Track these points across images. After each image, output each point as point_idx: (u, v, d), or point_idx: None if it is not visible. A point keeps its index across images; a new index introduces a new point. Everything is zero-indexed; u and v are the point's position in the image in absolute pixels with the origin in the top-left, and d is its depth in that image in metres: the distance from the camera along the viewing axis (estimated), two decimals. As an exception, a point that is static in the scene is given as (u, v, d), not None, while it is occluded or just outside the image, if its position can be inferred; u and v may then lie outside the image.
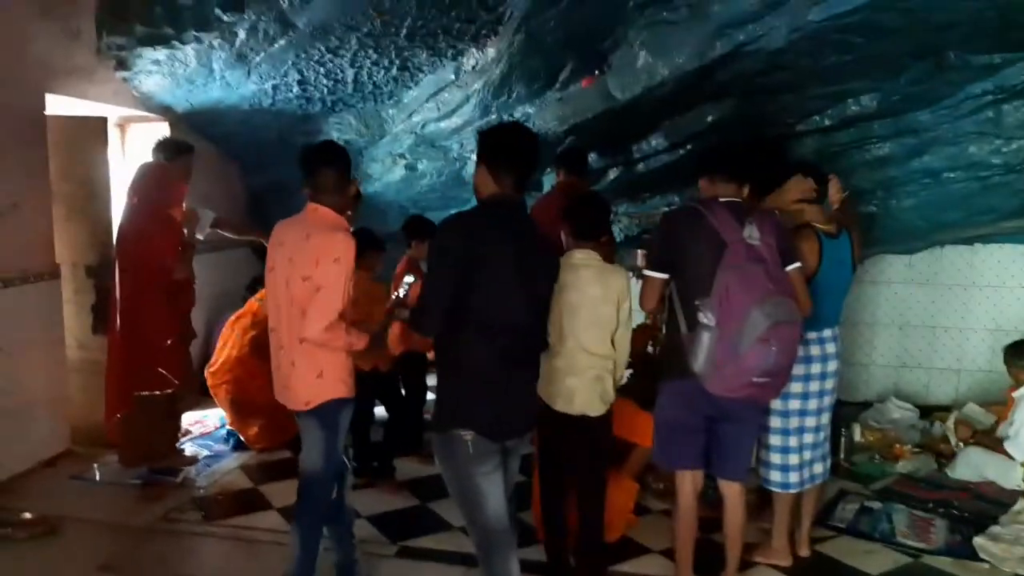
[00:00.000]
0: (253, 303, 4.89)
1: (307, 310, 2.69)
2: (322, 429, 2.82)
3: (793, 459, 3.35)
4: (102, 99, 4.75)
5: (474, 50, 4.46)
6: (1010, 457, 4.16)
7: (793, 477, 3.35)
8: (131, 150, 5.43)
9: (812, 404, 3.34)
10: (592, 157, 5.05)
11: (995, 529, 3.64)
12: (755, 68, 4.12)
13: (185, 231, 4.29)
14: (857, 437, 4.74)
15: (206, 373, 4.82)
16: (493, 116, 4.90)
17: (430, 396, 4.56)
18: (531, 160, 2.56)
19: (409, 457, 4.41)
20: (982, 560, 3.49)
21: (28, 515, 3.69)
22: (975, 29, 3.69)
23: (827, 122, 4.62)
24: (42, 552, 3.45)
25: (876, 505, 3.97)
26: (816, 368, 3.30)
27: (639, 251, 4.56)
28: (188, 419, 4.89)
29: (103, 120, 4.67)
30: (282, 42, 4.36)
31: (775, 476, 3.37)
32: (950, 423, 4.73)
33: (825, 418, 3.43)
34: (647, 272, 3.00)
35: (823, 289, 3.22)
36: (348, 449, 3.11)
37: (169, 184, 4.17)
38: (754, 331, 2.68)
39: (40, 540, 3.54)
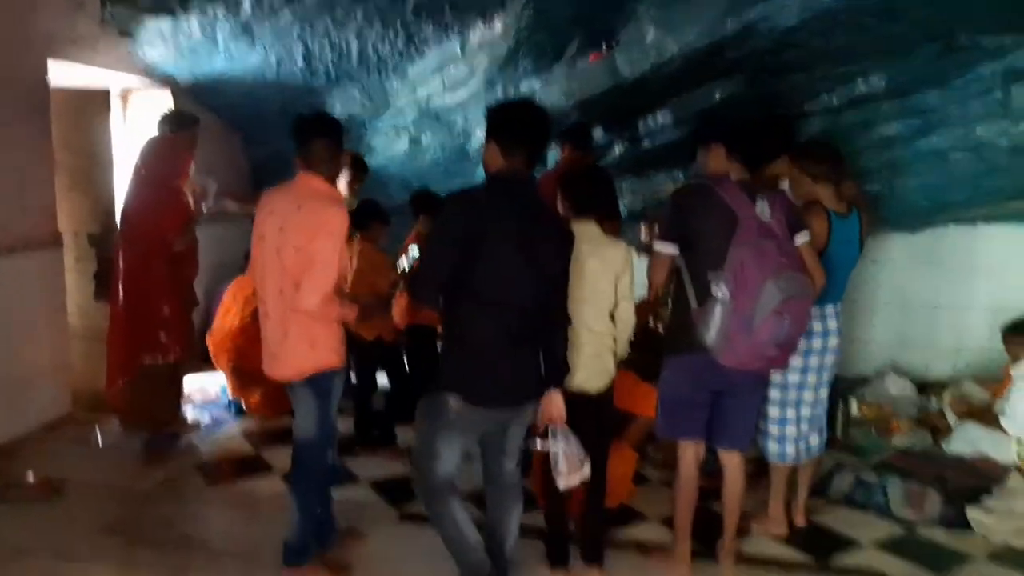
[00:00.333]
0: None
1: (301, 282, 2.70)
2: (316, 398, 2.86)
3: (790, 431, 3.39)
4: (107, 66, 4.73)
5: (481, 24, 4.45)
6: (1005, 432, 4.19)
7: (790, 449, 3.40)
8: (134, 120, 5.42)
9: (811, 378, 3.38)
10: (598, 133, 5.06)
11: (988, 502, 3.68)
12: (765, 46, 4.12)
13: (191, 203, 4.29)
14: (855, 412, 4.77)
15: (207, 341, 4.85)
16: (499, 90, 4.89)
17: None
18: (541, 136, 2.58)
19: (410, 426, 4.43)
20: (975, 531, 3.54)
21: (32, 478, 3.73)
22: (986, 10, 3.69)
23: (836, 102, 4.62)
24: (46, 514, 3.49)
25: (872, 478, 4.00)
26: (817, 343, 3.33)
27: (644, 225, 4.56)
28: (189, 386, 4.91)
29: (106, 92, 4.69)
30: (287, 14, 4.35)
31: (772, 447, 3.41)
32: (947, 399, 4.77)
33: (823, 392, 3.47)
34: (657, 247, 3.00)
35: (830, 266, 3.25)
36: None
37: (175, 157, 4.17)
38: (768, 305, 2.72)
39: (44, 502, 3.58)
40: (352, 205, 4.51)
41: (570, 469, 2.75)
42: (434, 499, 2.71)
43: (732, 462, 3.14)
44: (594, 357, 2.96)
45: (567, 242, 2.69)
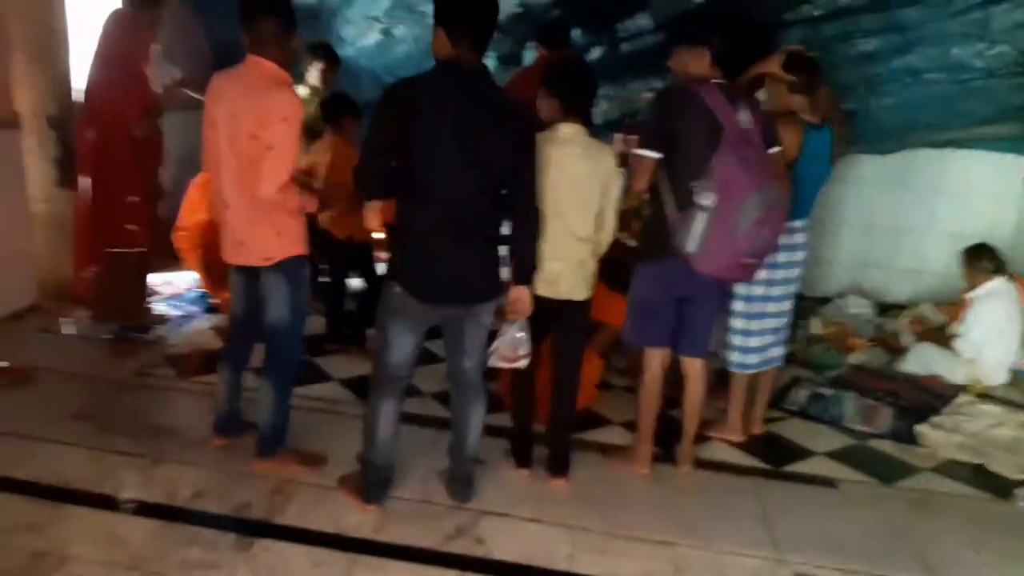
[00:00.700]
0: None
1: (260, 169, 2.65)
2: (288, 284, 2.86)
3: (753, 342, 3.48)
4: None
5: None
6: (958, 354, 4.37)
7: (751, 359, 3.50)
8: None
9: (776, 291, 3.45)
10: (575, 34, 4.93)
11: (937, 418, 3.87)
12: (749, -50, 4.02)
13: (153, 89, 4.12)
14: (815, 329, 4.92)
15: (175, 235, 4.76)
16: (477, -18, 4.71)
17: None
18: (487, 22, 2.50)
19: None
20: (922, 445, 3.73)
21: (2, 363, 3.71)
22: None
23: (816, 12, 4.56)
24: (18, 399, 3.48)
25: (828, 392, 4.17)
26: (783, 257, 3.38)
27: (618, 135, 4.51)
28: (157, 279, 4.86)
29: (63, -41, 4.39)
30: None
31: (734, 357, 3.51)
32: (904, 320, 4.92)
33: (787, 305, 3.55)
34: (640, 151, 2.94)
35: (800, 180, 3.28)
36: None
37: (137, 36, 3.97)
38: (752, 214, 2.74)
39: (16, 388, 3.57)
40: (324, 96, 4.39)
41: (505, 353, 2.84)
42: (375, 388, 2.81)
43: (694, 368, 3.23)
44: (579, 265, 2.94)
45: (522, 136, 2.60)
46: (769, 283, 3.41)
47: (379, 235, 3.86)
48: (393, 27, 5.36)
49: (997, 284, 4.36)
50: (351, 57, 5.60)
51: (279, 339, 2.95)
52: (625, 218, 4.43)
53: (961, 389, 4.27)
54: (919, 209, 5.56)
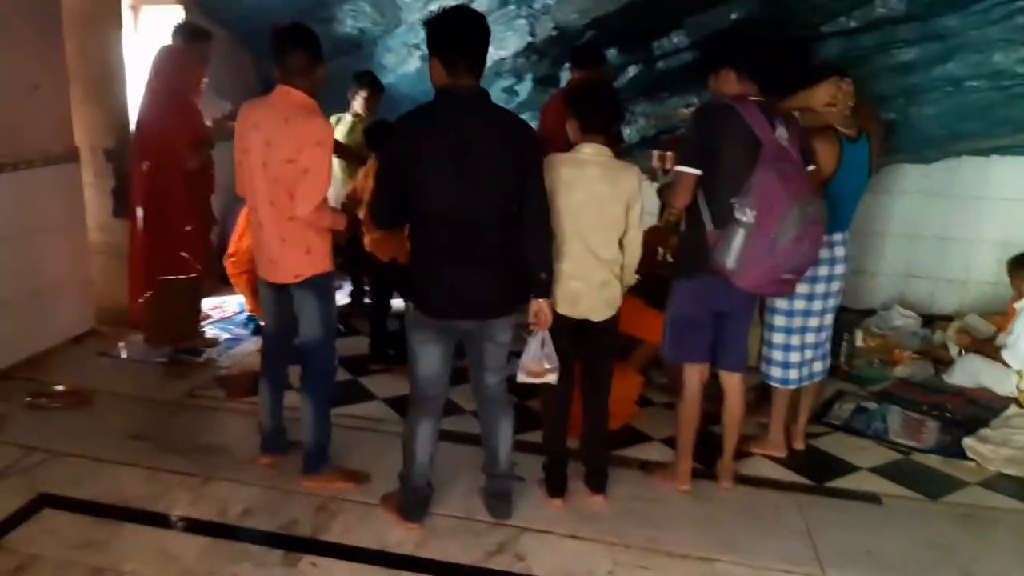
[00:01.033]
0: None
1: (295, 192, 2.82)
2: (319, 299, 3.03)
3: (794, 357, 3.46)
4: (116, -21, 4.68)
5: (495, -63, 4.36)
6: (1007, 365, 4.28)
7: (792, 374, 3.48)
8: (144, 33, 5.37)
9: (816, 305, 3.43)
10: (611, 54, 4.98)
11: (984, 431, 3.79)
12: (782, -35, 4.02)
13: (205, 121, 4.28)
14: (859, 342, 4.84)
15: (225, 261, 4.92)
16: (512, 7, 4.81)
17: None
18: (477, 46, 2.56)
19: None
20: (969, 459, 3.65)
21: (61, 387, 3.88)
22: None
23: (853, 24, 4.53)
24: (77, 421, 3.65)
25: (872, 405, 4.12)
26: (823, 270, 3.37)
27: (655, 152, 4.54)
28: (208, 304, 5.02)
29: (117, 1, 4.60)
30: (298, -79, 4.25)
31: (775, 372, 3.50)
32: (951, 331, 4.83)
33: (828, 319, 3.52)
34: (680, 168, 2.97)
35: (838, 193, 3.26)
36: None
37: (188, 69, 4.14)
38: (792, 229, 2.76)
39: (74, 410, 3.74)
40: (368, 123, 4.51)
41: (531, 368, 2.89)
42: (411, 408, 2.91)
43: (732, 383, 3.23)
44: (601, 286, 2.95)
45: (524, 152, 2.64)
46: (810, 297, 3.40)
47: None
48: (433, 53, 5.47)
49: (1046, 293, 4.26)
50: (392, 84, 5.73)
51: (313, 354, 3.09)
52: (663, 234, 4.48)
53: (1010, 401, 4.17)
54: (964, 218, 5.45)
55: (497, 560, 2.79)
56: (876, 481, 3.49)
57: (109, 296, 4.67)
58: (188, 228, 4.11)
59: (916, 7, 4.27)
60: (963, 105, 4.85)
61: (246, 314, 4.97)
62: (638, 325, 3.78)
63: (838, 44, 4.68)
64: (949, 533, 3.12)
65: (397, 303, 4.47)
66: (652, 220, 4.92)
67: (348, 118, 5.00)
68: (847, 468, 3.58)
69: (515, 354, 2.93)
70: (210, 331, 4.78)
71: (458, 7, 2.68)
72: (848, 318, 4.74)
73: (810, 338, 3.49)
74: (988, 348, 4.47)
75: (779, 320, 3.45)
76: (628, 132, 5.61)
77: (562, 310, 2.94)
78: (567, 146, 2.98)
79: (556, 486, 3.18)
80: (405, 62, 5.64)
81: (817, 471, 3.53)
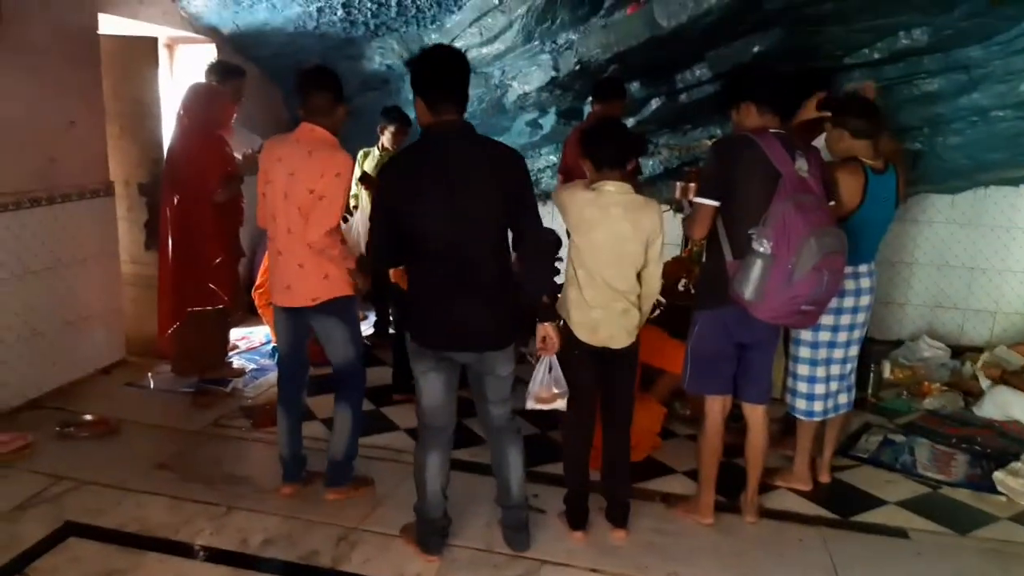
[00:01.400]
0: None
1: (310, 216, 2.97)
2: (343, 322, 3.20)
3: (819, 389, 3.43)
4: (152, 20, 4.85)
5: (519, -27, 4.45)
6: (1038, 397, 4.21)
7: (817, 406, 3.44)
8: (179, 70, 5.53)
9: (842, 336, 3.40)
10: (635, 87, 5.03)
11: (1016, 465, 3.70)
12: (805, -2, 4.05)
13: (234, 156, 4.38)
14: (887, 374, 4.79)
15: (253, 293, 4.99)
16: (536, 42, 4.89)
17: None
18: (454, 80, 2.58)
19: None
20: (1000, 493, 3.58)
21: (89, 416, 3.95)
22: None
23: (876, 55, 4.55)
24: (104, 450, 3.71)
25: (899, 438, 4.05)
26: (849, 302, 3.34)
27: (678, 184, 4.56)
28: (235, 335, 5.10)
29: (154, 40, 4.75)
30: (327, -38, 4.37)
31: (800, 404, 3.46)
32: (980, 363, 4.76)
33: (853, 351, 3.48)
34: (699, 200, 2.98)
35: (864, 224, 3.25)
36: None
37: (219, 105, 4.25)
38: (809, 260, 2.74)
39: (101, 439, 3.81)
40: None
41: (540, 394, 2.91)
42: (419, 440, 2.93)
43: (756, 415, 3.21)
44: (622, 314, 2.96)
45: (512, 180, 2.64)
46: (835, 329, 3.37)
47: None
48: (457, 88, 5.56)
49: (1078, 324, 4.19)
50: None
51: (348, 373, 3.28)
52: (686, 265, 4.48)
53: (1042, 434, 4.09)
54: (993, 248, 5.40)
55: (516, 593, 2.78)
56: (903, 515, 3.42)
57: (139, 327, 4.78)
58: (218, 261, 4.19)
59: (939, 38, 4.28)
60: (989, 135, 4.83)
61: (272, 345, 5.03)
62: (660, 356, 3.77)
63: (862, 75, 4.69)
64: (978, 569, 3.05)
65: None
66: (675, 251, 4.93)
67: (376, 152, 5.10)
68: (874, 502, 3.52)
69: (524, 382, 2.95)
70: (237, 362, 4.85)
71: (437, 46, 2.72)
72: (876, 349, 4.69)
73: (835, 370, 3.46)
74: (1018, 380, 4.39)
75: (804, 352, 3.42)
76: (651, 164, 5.65)
77: (583, 336, 2.96)
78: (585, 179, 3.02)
79: (577, 519, 3.16)
80: (431, 97, 5.73)
81: (843, 505, 3.47)
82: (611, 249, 2.90)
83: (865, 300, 3.41)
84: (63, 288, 4.31)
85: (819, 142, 3.55)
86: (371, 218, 2.72)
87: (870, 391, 4.60)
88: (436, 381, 2.80)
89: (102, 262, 4.59)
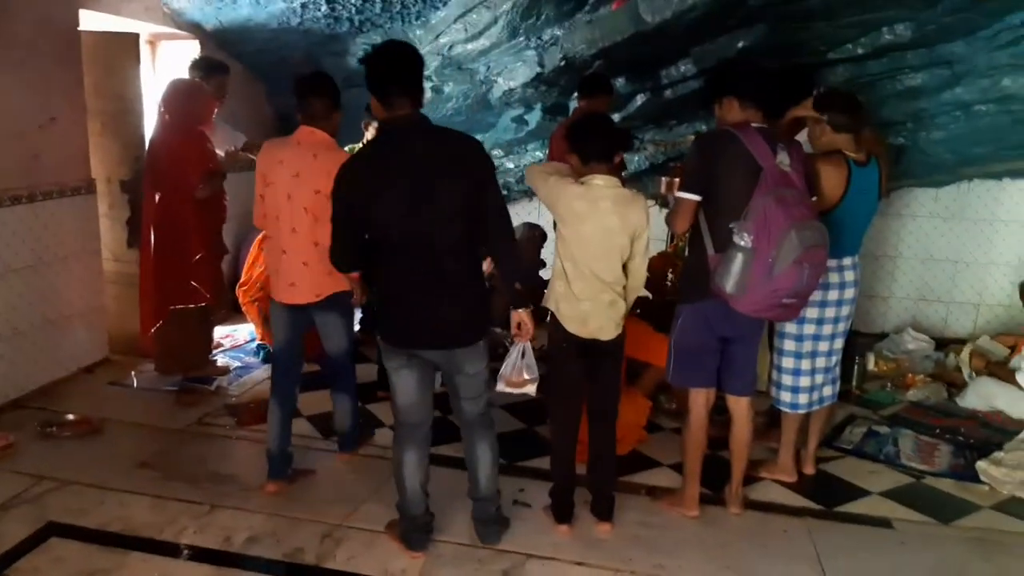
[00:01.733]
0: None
1: (321, 217, 3.02)
2: (342, 316, 3.39)
3: (803, 381, 3.44)
4: (134, 15, 4.81)
5: (504, -31, 4.43)
6: (1020, 388, 4.23)
7: (802, 398, 3.46)
8: (161, 67, 5.49)
9: (826, 329, 3.41)
10: (620, 83, 5.04)
11: (998, 454, 3.73)
12: (789, -7, 4.06)
13: (215, 151, 4.36)
14: (871, 366, 4.82)
15: (237, 291, 4.97)
16: (521, 38, 4.88)
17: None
18: (403, 75, 2.57)
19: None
20: (982, 483, 3.60)
21: (72, 416, 3.92)
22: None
23: (860, 51, 4.57)
24: (86, 450, 3.68)
25: (884, 429, 4.07)
26: (833, 295, 3.36)
27: (663, 179, 4.57)
28: (219, 333, 5.08)
29: (135, 36, 4.72)
30: (311, -43, 4.35)
31: (785, 397, 3.48)
32: (964, 354, 4.79)
33: (838, 343, 3.50)
34: (680, 194, 2.99)
35: (848, 217, 3.26)
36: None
37: (200, 101, 4.23)
38: (790, 254, 2.75)
39: (84, 439, 3.78)
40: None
41: (510, 378, 2.94)
42: (396, 437, 2.92)
43: (740, 407, 3.22)
44: (609, 306, 2.96)
45: (476, 171, 2.62)
46: (819, 321, 3.39)
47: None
48: (443, 84, 5.55)
49: (1059, 315, 4.23)
50: (403, 115, 5.81)
51: (342, 361, 3.49)
52: (671, 259, 4.49)
53: None
54: (976, 241, 5.44)
55: (502, 587, 2.78)
56: (887, 505, 3.44)
57: (122, 325, 4.73)
58: (198, 257, 4.15)
59: (923, 34, 4.31)
60: (972, 129, 4.87)
61: (257, 342, 5.00)
62: (646, 349, 3.77)
63: (846, 70, 4.72)
64: (961, 558, 3.07)
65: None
66: (661, 245, 4.94)
67: (360, 148, 5.07)
68: (858, 493, 3.54)
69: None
70: (221, 359, 4.82)
71: (388, 42, 2.68)
72: (860, 342, 4.72)
73: (820, 362, 3.47)
74: (1002, 371, 4.43)
75: (788, 344, 3.43)
76: (636, 159, 5.66)
77: (572, 329, 2.96)
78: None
79: (563, 512, 3.16)
80: (415, 93, 5.71)
81: (827, 496, 3.49)
82: (600, 242, 2.90)
83: (849, 293, 3.42)
84: (45, 286, 4.26)
85: (802, 136, 3.57)
86: (332, 220, 2.67)
87: (854, 383, 4.62)
88: (409, 378, 2.79)
89: (84, 260, 4.55)
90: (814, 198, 3.05)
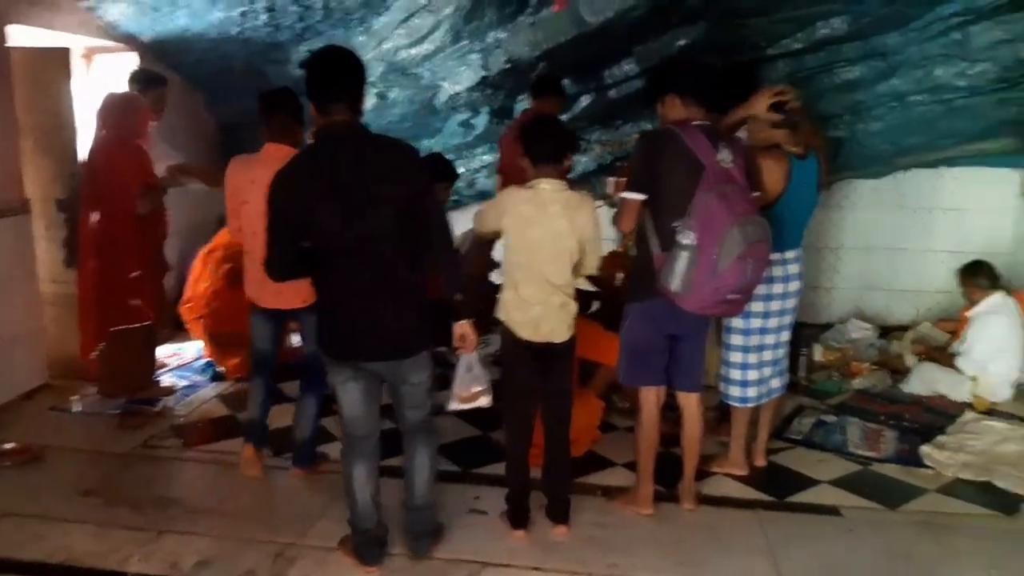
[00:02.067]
0: (223, 235, 4.89)
1: None
2: None
3: (752, 375, 3.48)
4: (68, 29, 4.68)
5: (445, -28, 4.42)
6: (961, 372, 4.34)
7: (751, 392, 3.49)
8: (98, 80, 5.35)
9: (772, 322, 3.46)
10: (564, 84, 5.05)
11: (941, 438, 3.83)
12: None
13: (153, 165, 4.26)
14: (817, 357, 4.90)
15: (181, 308, 4.86)
16: (465, 42, 4.86)
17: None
18: (340, 81, 2.54)
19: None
20: (927, 467, 3.69)
21: (10, 445, 3.78)
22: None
23: (797, 45, 4.65)
24: (27, 479, 3.56)
25: (831, 419, 4.14)
26: (778, 288, 3.40)
27: (611, 179, 4.59)
28: (165, 351, 4.96)
29: (66, 51, 4.59)
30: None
31: (734, 391, 3.51)
32: (906, 341, 4.90)
33: (785, 336, 3.55)
34: (625, 194, 3.00)
35: (789, 209, 3.30)
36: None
37: (135, 114, 4.15)
38: (733, 250, 2.77)
39: (24, 468, 3.65)
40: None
41: (461, 393, 2.92)
42: (344, 451, 2.88)
43: (690, 403, 3.24)
44: (560, 308, 2.96)
45: (412, 177, 2.60)
46: (765, 315, 3.42)
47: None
48: (388, 91, 5.50)
49: (996, 300, 4.35)
50: (347, 122, 5.75)
51: (315, 361, 3.25)
52: (621, 259, 4.51)
53: (964, 407, 4.23)
54: (916, 229, 5.56)
55: (457, 597, 2.76)
56: (836, 494, 3.49)
57: (61, 348, 4.59)
58: (135, 274, 4.05)
59: (858, 26, 4.40)
60: (907, 120, 4.98)
61: (204, 360, 4.90)
62: (597, 349, 3.78)
63: (785, 65, 4.79)
64: (909, 541, 3.13)
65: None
66: (612, 246, 4.96)
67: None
68: (807, 482, 3.59)
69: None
70: (167, 379, 4.70)
71: (327, 47, 2.65)
72: (806, 333, 4.78)
73: (767, 355, 3.51)
74: (942, 356, 4.53)
75: (735, 339, 3.47)
76: (584, 160, 5.67)
77: (525, 335, 2.95)
78: (524, 178, 3.00)
79: (519, 517, 3.15)
80: (359, 100, 5.66)
81: (778, 487, 3.53)
82: (550, 246, 2.90)
83: (794, 285, 3.46)
84: (-19, 312, 4.12)
85: (741, 132, 3.60)
86: (268, 228, 2.61)
87: (802, 374, 4.69)
88: (355, 391, 2.75)
89: (20, 283, 4.39)
90: (756, 193, 3.09)
